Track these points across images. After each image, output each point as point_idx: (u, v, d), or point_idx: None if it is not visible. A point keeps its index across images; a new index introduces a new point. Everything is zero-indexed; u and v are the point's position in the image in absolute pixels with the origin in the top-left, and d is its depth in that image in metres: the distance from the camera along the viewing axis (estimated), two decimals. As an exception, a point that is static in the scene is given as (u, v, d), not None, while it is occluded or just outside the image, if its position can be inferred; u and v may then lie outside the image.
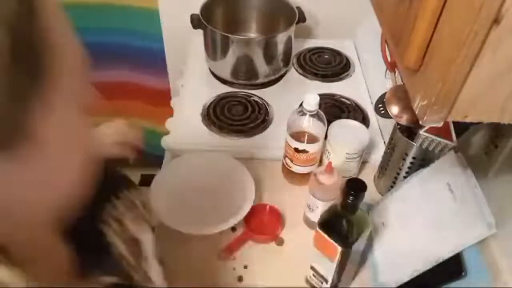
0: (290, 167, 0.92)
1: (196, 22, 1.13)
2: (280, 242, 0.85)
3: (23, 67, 0.26)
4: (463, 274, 0.66)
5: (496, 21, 0.33)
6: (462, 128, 0.77)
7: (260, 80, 1.18)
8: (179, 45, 1.34)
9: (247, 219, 0.84)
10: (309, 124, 0.86)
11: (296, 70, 1.25)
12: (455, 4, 0.37)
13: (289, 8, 1.17)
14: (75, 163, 0.33)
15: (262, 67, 1.15)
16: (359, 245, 0.70)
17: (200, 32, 1.16)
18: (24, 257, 0.33)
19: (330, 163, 0.78)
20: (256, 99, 1.14)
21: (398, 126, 0.83)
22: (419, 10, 0.40)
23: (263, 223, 0.86)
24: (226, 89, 1.18)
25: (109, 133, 0.82)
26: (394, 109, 0.83)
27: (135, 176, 1.24)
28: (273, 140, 1.03)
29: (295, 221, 0.88)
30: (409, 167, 0.83)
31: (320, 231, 0.68)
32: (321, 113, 0.86)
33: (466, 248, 0.63)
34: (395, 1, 0.51)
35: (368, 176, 0.95)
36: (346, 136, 0.89)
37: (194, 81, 1.21)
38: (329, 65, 1.26)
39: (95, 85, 0.36)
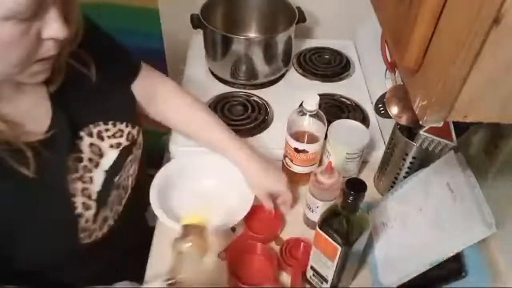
0: (290, 167, 0.92)
1: (196, 22, 1.13)
2: (280, 242, 0.85)
3: None
4: (463, 274, 0.66)
5: (496, 21, 0.33)
6: (462, 128, 0.77)
7: (260, 80, 1.18)
8: (179, 45, 1.34)
9: (247, 219, 0.84)
10: (309, 124, 0.86)
11: (296, 70, 1.25)
12: (455, 4, 0.37)
13: (289, 8, 1.17)
14: None
15: (262, 67, 1.15)
16: (359, 245, 0.70)
17: (200, 32, 1.16)
18: None
19: (330, 163, 0.78)
20: (256, 99, 1.14)
21: (398, 126, 0.83)
22: (419, 10, 0.40)
23: (263, 223, 0.86)
24: (226, 89, 1.18)
25: None
26: (394, 109, 0.83)
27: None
28: (273, 140, 1.02)
29: (295, 221, 0.88)
30: (409, 167, 0.83)
31: (320, 231, 0.68)
32: (321, 113, 0.86)
33: (466, 248, 0.63)
34: (395, 1, 0.50)
35: (368, 176, 0.95)
36: (346, 136, 0.89)
37: (194, 81, 1.21)
38: (329, 65, 1.26)
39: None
